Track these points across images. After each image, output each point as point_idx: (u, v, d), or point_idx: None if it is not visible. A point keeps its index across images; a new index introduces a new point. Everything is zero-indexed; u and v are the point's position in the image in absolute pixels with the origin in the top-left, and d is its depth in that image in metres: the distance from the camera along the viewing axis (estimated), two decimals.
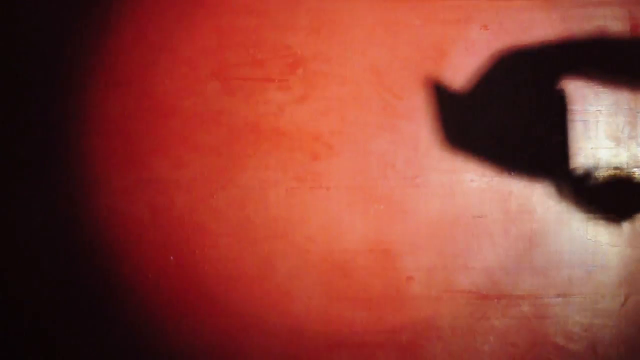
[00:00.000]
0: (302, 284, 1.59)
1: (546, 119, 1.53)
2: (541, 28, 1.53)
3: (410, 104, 1.56)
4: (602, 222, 1.54)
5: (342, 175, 1.58)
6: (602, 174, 1.51)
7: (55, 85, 1.62)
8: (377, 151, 1.57)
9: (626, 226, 1.53)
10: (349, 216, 1.58)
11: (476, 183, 1.56)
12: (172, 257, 1.61)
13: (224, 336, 1.61)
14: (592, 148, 1.53)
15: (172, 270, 1.61)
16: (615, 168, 1.53)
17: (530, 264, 1.55)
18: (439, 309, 1.57)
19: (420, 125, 1.56)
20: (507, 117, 1.54)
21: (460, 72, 1.55)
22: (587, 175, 1.49)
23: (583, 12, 1.53)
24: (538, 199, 1.55)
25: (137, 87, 1.60)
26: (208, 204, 1.60)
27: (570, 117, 1.51)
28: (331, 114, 1.58)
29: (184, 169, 1.60)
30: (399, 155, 1.56)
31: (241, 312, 1.60)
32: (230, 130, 1.59)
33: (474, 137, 1.54)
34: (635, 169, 1.53)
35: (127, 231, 1.61)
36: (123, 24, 1.61)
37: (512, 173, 1.53)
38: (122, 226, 1.61)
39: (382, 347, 1.58)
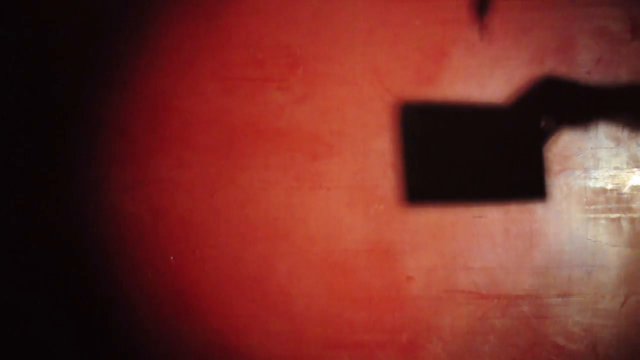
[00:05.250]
0: (302, 284, 1.59)
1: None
2: (541, 28, 1.53)
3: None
4: (602, 221, 1.54)
5: (342, 175, 1.58)
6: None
7: (55, 85, 1.62)
8: (377, 151, 1.57)
9: (626, 226, 1.53)
10: (349, 216, 1.58)
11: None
12: (172, 257, 1.61)
13: (224, 336, 1.61)
14: (592, 148, 1.53)
15: (172, 270, 1.61)
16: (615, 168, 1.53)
17: (530, 264, 1.55)
18: (439, 309, 1.57)
19: None
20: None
21: (460, 72, 1.55)
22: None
23: (583, 12, 1.52)
24: None
25: (137, 87, 1.60)
26: (208, 204, 1.60)
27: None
28: (331, 114, 1.58)
29: (184, 169, 1.60)
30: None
31: (241, 312, 1.60)
32: (230, 130, 1.59)
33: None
34: (635, 169, 1.53)
35: (127, 231, 1.61)
36: (123, 24, 1.61)
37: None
38: (123, 226, 1.61)
39: (382, 347, 1.58)
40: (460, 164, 1.54)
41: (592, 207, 1.54)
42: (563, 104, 1.53)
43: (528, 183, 1.54)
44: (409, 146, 1.54)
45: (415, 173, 1.54)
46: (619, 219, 1.53)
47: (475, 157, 1.54)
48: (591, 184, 1.54)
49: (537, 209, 1.55)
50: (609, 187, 1.53)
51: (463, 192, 1.54)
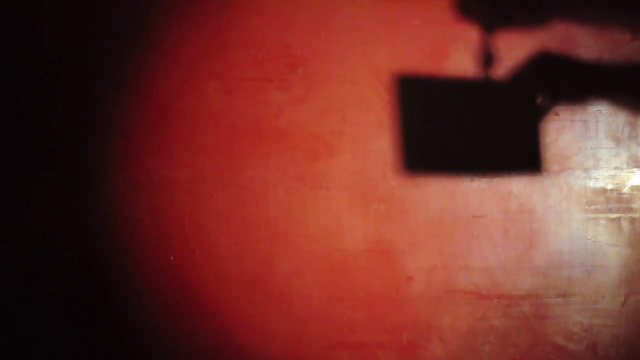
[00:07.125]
0: (302, 284, 1.59)
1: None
2: (541, 28, 1.53)
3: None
4: (602, 220, 1.54)
5: (342, 175, 1.58)
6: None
7: (54, 86, 1.62)
8: (377, 151, 1.57)
9: (626, 226, 1.53)
10: (349, 216, 1.58)
11: (476, 183, 1.56)
12: (172, 257, 1.61)
13: (224, 336, 1.61)
14: (592, 148, 1.53)
15: (172, 270, 1.61)
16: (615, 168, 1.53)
17: (530, 264, 1.55)
18: (439, 309, 1.57)
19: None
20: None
21: (460, 73, 1.55)
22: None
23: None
24: (538, 199, 1.55)
25: (136, 86, 1.60)
26: (208, 204, 1.60)
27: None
28: (331, 114, 1.58)
29: (184, 169, 1.60)
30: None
31: (241, 312, 1.60)
32: (230, 130, 1.59)
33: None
34: (635, 169, 1.53)
35: (127, 231, 1.61)
36: (123, 24, 1.61)
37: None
38: (122, 226, 1.61)
39: (382, 347, 1.58)
40: (458, 137, 1.54)
41: (592, 207, 1.54)
42: (560, 81, 1.53)
43: (525, 157, 1.54)
44: (408, 122, 1.54)
45: (415, 146, 1.55)
46: (619, 219, 1.53)
47: (473, 134, 1.54)
48: (591, 184, 1.54)
49: (537, 209, 1.55)
50: (609, 187, 1.53)
51: (461, 162, 1.55)
